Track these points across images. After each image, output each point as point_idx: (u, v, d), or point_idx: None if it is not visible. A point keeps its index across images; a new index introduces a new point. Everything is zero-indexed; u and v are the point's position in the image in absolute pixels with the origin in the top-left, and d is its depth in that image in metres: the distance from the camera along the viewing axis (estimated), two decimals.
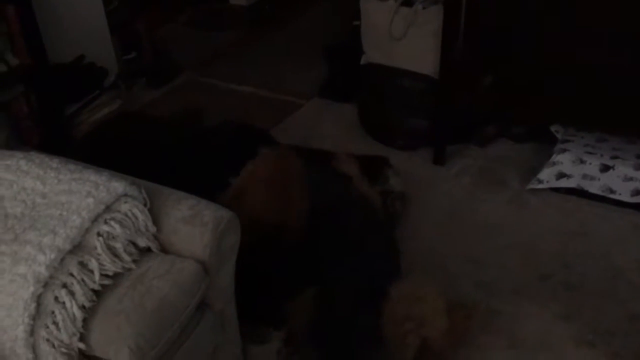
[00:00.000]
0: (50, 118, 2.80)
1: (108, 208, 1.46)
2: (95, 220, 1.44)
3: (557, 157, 2.55)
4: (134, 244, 1.47)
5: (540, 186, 2.60)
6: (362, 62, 2.99)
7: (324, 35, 3.84)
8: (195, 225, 1.50)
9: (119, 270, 1.42)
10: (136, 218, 1.48)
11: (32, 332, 1.32)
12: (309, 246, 1.86)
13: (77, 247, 1.40)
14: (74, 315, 1.33)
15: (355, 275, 1.88)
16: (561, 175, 2.55)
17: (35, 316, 1.32)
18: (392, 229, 2.27)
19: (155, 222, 1.51)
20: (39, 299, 1.32)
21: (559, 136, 2.68)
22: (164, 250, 1.52)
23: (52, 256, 1.35)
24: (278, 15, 4.41)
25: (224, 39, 4.16)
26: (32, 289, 1.31)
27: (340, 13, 3.81)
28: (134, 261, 1.45)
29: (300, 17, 4.36)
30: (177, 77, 3.70)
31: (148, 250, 1.51)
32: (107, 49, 3.26)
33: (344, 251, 1.91)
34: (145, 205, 1.51)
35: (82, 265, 1.38)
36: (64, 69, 2.91)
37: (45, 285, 1.33)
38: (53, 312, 1.32)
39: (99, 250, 1.41)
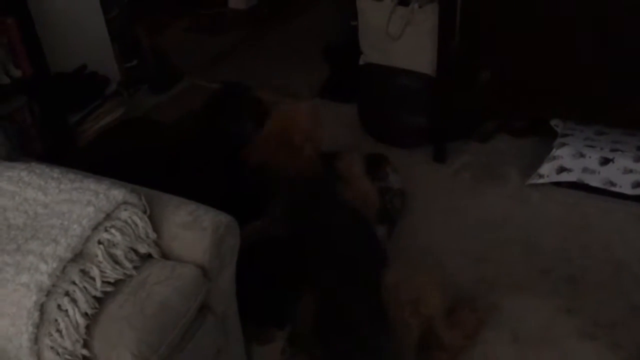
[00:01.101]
0: (54, 128, 2.83)
1: (108, 216, 1.49)
2: (95, 228, 1.46)
3: (557, 152, 2.55)
4: (135, 251, 1.50)
5: (541, 181, 2.61)
6: (361, 62, 3.00)
7: (323, 36, 3.86)
8: (195, 230, 1.53)
9: (120, 277, 1.45)
10: (136, 225, 1.50)
11: (36, 340, 1.34)
12: (298, 246, 1.90)
13: (79, 256, 1.42)
14: (76, 322, 1.36)
15: (347, 271, 1.91)
16: (561, 170, 2.56)
17: (39, 324, 1.34)
18: (371, 225, 2.29)
19: (155, 228, 1.53)
20: (42, 308, 1.34)
21: (558, 130, 2.68)
22: (165, 255, 1.55)
23: (54, 265, 1.38)
24: (277, 17, 4.44)
25: (224, 43, 4.19)
26: (35, 297, 1.34)
27: (339, 13, 3.83)
28: (135, 267, 1.48)
29: (299, 18, 4.39)
30: (179, 83, 3.74)
31: (149, 256, 1.53)
32: (109, 57, 3.29)
33: (330, 250, 1.94)
34: (145, 212, 1.54)
35: (84, 273, 1.41)
36: (66, 79, 2.95)
37: (48, 293, 1.35)
38: (56, 320, 1.35)
39: (100, 258, 1.43)
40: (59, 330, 1.35)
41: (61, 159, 2.34)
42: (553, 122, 2.72)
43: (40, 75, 2.69)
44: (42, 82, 2.71)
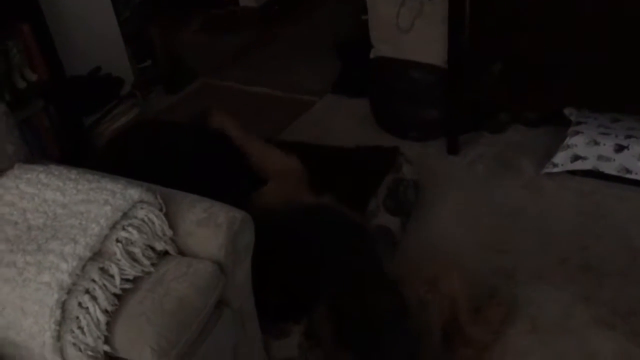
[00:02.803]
0: (71, 130, 2.87)
1: (125, 215, 1.52)
2: (113, 227, 1.49)
3: (570, 140, 2.54)
4: (152, 248, 1.52)
5: (556, 170, 2.59)
6: (372, 56, 3.01)
7: (335, 31, 3.87)
8: (210, 227, 1.55)
9: (139, 274, 1.47)
10: (153, 223, 1.53)
11: (59, 338, 1.37)
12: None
13: (98, 254, 1.46)
14: (97, 319, 1.39)
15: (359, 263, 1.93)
16: (576, 158, 2.55)
17: (61, 322, 1.38)
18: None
19: (171, 225, 1.56)
20: (63, 306, 1.38)
21: (572, 119, 2.67)
22: (181, 252, 1.57)
23: (74, 264, 1.41)
24: (289, 13, 4.45)
25: (236, 42, 4.22)
26: (56, 296, 1.37)
27: (350, 8, 3.84)
28: (153, 265, 1.50)
29: (310, 14, 4.40)
30: (192, 82, 3.78)
31: (166, 253, 1.56)
32: (122, 59, 3.33)
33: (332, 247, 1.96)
34: (161, 210, 1.56)
35: (103, 271, 1.44)
36: (81, 82, 2.99)
37: (69, 292, 1.39)
38: (77, 317, 1.38)
39: (119, 255, 1.46)
40: (80, 327, 1.38)
41: (79, 160, 2.38)
42: (566, 111, 2.71)
43: (55, 78, 2.74)
44: (58, 85, 2.76)
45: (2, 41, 2.55)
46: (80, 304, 1.39)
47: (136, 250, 1.49)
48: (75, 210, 1.53)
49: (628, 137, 2.48)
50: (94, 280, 1.42)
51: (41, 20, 2.64)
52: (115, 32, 3.28)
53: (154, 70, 3.65)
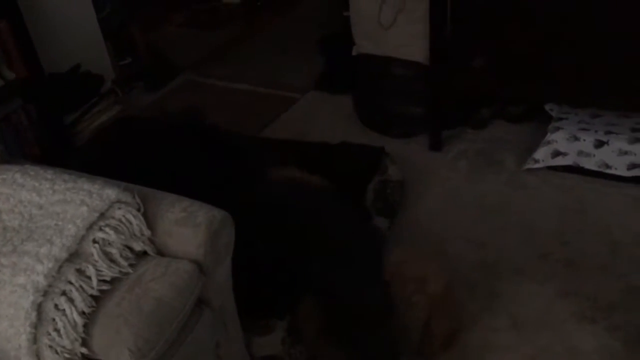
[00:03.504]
0: (50, 128, 2.84)
1: (102, 215, 1.50)
2: (90, 228, 1.47)
3: (551, 136, 2.55)
4: (130, 249, 1.51)
5: (537, 165, 2.61)
6: (354, 52, 3.00)
7: (318, 27, 3.86)
8: (189, 227, 1.53)
9: (117, 275, 1.46)
10: (130, 223, 1.51)
11: (35, 340, 1.36)
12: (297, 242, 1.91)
13: (74, 255, 1.44)
14: (74, 321, 1.37)
15: (347, 261, 1.93)
16: (557, 154, 2.56)
17: (37, 324, 1.36)
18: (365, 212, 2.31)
19: (150, 225, 1.54)
20: (39, 308, 1.36)
21: (553, 114, 2.68)
22: (160, 252, 1.56)
23: (50, 265, 1.39)
24: (271, 9, 4.43)
25: (219, 37, 4.19)
26: (32, 298, 1.35)
27: (334, 3, 3.82)
28: (131, 265, 1.49)
29: (293, 10, 4.38)
30: (174, 79, 3.74)
31: (144, 253, 1.54)
32: (102, 56, 3.29)
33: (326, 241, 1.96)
34: (138, 210, 1.55)
35: (80, 272, 1.42)
36: (61, 79, 2.95)
37: (45, 294, 1.37)
38: (54, 320, 1.36)
39: (96, 256, 1.45)
40: (57, 330, 1.36)
41: (58, 160, 2.35)
42: (548, 107, 2.72)
43: (34, 76, 2.70)
44: (37, 83, 2.72)
45: None
46: (56, 306, 1.37)
47: (113, 251, 1.47)
48: (52, 210, 1.51)
49: (608, 132, 2.49)
50: (70, 282, 1.40)
51: (18, 17, 2.60)
52: (95, 29, 3.24)
53: (135, 66, 3.61)
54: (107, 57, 3.33)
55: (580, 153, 2.52)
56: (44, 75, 2.77)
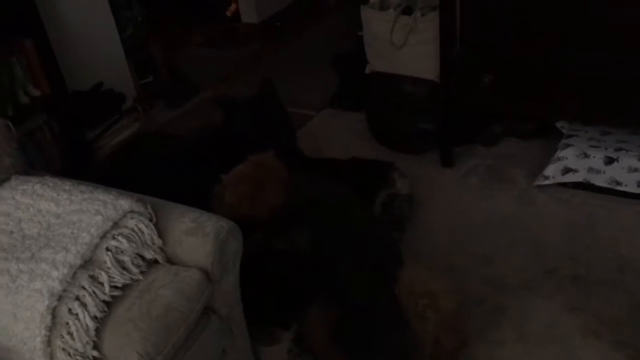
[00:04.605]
0: (73, 144, 2.94)
1: (116, 224, 1.57)
2: (104, 236, 1.55)
3: (561, 153, 2.58)
4: (141, 257, 1.58)
5: (547, 182, 2.63)
6: (367, 71, 3.06)
7: (333, 46, 3.93)
8: (198, 236, 1.60)
9: (128, 282, 1.53)
10: (142, 232, 1.59)
11: (49, 343, 1.42)
12: (313, 250, 1.95)
13: (88, 262, 1.51)
14: (87, 325, 1.44)
15: (362, 266, 1.96)
16: (567, 170, 2.58)
17: (51, 327, 1.43)
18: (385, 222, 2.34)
19: (161, 235, 1.61)
20: (54, 312, 1.43)
21: (564, 131, 2.70)
22: (170, 261, 1.63)
23: (65, 271, 1.46)
24: (289, 29, 4.53)
25: (237, 57, 4.29)
26: (47, 302, 1.42)
27: (348, 24, 3.90)
28: (141, 272, 1.56)
29: (310, 30, 4.48)
30: (194, 97, 3.84)
31: (155, 261, 1.61)
32: (124, 75, 3.41)
33: (345, 247, 1.99)
34: (150, 220, 1.62)
35: (93, 278, 1.49)
36: (83, 97, 3.06)
37: (60, 298, 1.44)
38: (67, 323, 1.43)
39: (109, 264, 1.52)
40: (70, 333, 1.43)
41: (80, 173, 2.44)
42: (559, 124, 2.75)
43: (58, 94, 2.80)
44: (60, 100, 2.83)
45: (6, 57, 2.63)
46: (70, 310, 1.44)
47: (125, 259, 1.54)
48: (68, 220, 1.59)
49: (618, 149, 2.51)
50: (84, 288, 1.47)
51: (44, 36, 2.71)
52: (118, 49, 3.36)
53: (155, 85, 3.72)
54: (129, 76, 3.44)
55: (591, 170, 2.54)
56: (67, 92, 2.88)
